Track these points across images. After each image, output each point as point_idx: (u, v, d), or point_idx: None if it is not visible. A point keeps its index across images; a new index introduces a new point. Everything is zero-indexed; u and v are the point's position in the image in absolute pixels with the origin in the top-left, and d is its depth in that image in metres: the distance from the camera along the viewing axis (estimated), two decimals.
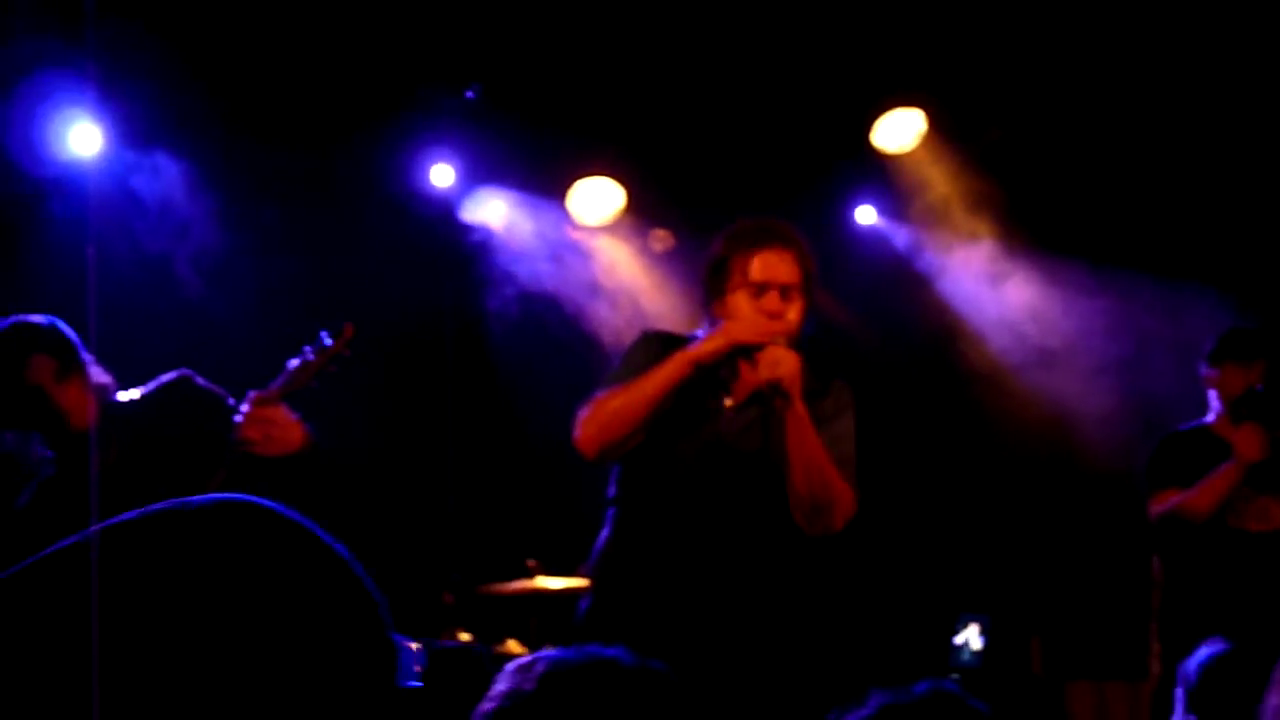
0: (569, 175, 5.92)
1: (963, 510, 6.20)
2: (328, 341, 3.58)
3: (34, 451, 3.78)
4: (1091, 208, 5.96)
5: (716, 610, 3.49)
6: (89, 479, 3.70)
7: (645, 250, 6.21)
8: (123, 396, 3.85)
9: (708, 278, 3.51)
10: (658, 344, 3.48)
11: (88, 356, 3.78)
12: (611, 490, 3.60)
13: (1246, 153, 5.69)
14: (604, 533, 3.62)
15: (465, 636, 5.02)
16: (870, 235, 6.36)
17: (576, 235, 6.15)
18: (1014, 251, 6.05)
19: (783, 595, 3.63)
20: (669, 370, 3.34)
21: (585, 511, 3.91)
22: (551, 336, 6.00)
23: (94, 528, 0.80)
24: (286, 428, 3.56)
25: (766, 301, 3.38)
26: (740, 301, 3.40)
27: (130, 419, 3.79)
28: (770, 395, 3.34)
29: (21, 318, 3.72)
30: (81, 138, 5.18)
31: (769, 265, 3.42)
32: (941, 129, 5.84)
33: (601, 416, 3.41)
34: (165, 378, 3.80)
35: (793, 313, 3.38)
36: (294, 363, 3.60)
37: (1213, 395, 4.49)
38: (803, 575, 3.71)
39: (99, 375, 3.76)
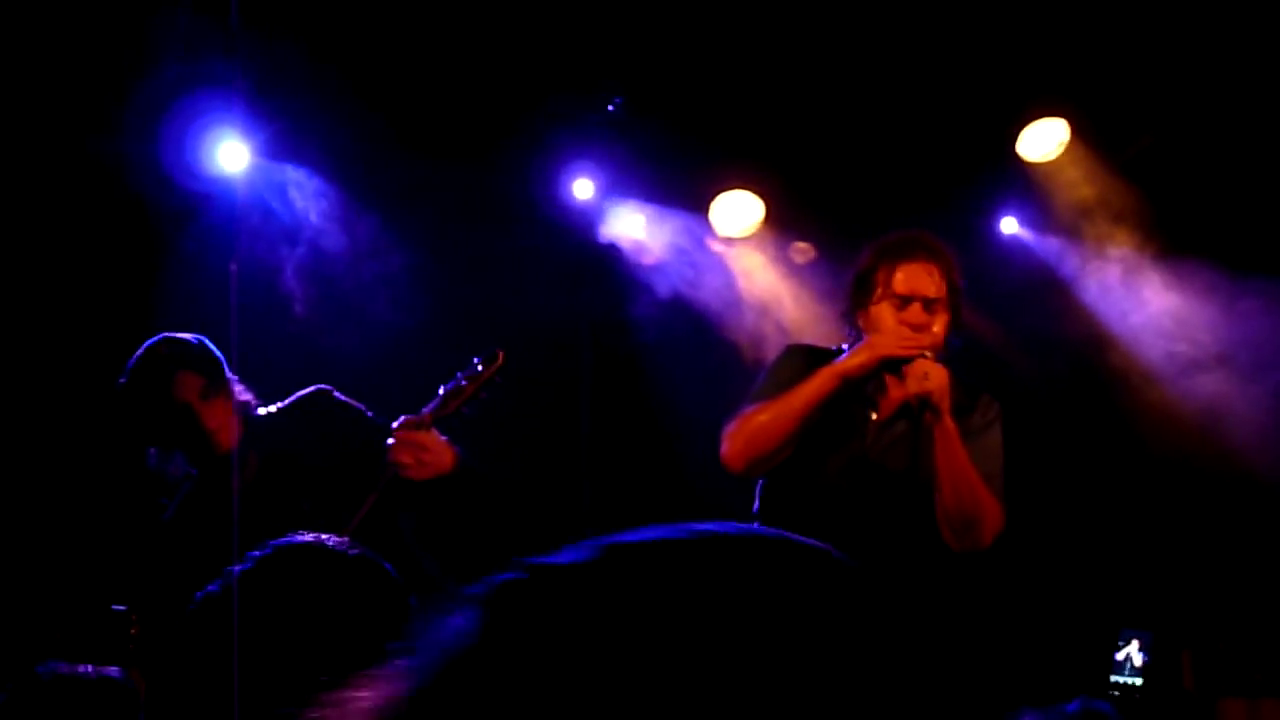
0: (710, 188, 5.83)
1: (1118, 522, 5.99)
2: (479, 367, 3.59)
3: (176, 467, 3.90)
4: (1238, 215, 5.70)
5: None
6: (229, 495, 3.71)
7: (786, 262, 6.12)
8: (261, 411, 3.88)
9: (852, 289, 3.51)
10: (803, 358, 3.52)
11: (232, 375, 3.84)
12: (756, 506, 3.60)
13: None
14: None
15: None
16: (1015, 245, 6.22)
17: (717, 248, 6.06)
18: (1158, 259, 5.87)
19: (932, 612, 3.79)
20: (816, 385, 3.33)
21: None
22: (692, 349, 5.94)
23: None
24: (438, 451, 3.53)
25: (910, 314, 3.36)
26: (884, 314, 3.38)
27: (269, 433, 3.86)
28: (918, 410, 3.32)
29: (171, 335, 3.82)
30: (230, 154, 5.20)
31: (914, 277, 3.40)
32: (1085, 138, 5.67)
33: (749, 431, 3.43)
34: (303, 392, 3.89)
35: (937, 326, 3.37)
36: (446, 387, 3.59)
37: None
38: (951, 592, 3.65)
39: (240, 393, 3.83)
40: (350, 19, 5.26)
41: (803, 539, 0.69)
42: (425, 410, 3.55)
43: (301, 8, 5.16)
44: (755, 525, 0.77)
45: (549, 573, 0.66)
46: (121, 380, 3.77)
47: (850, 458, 3.49)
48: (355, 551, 1.67)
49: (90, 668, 2.19)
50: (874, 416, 3.51)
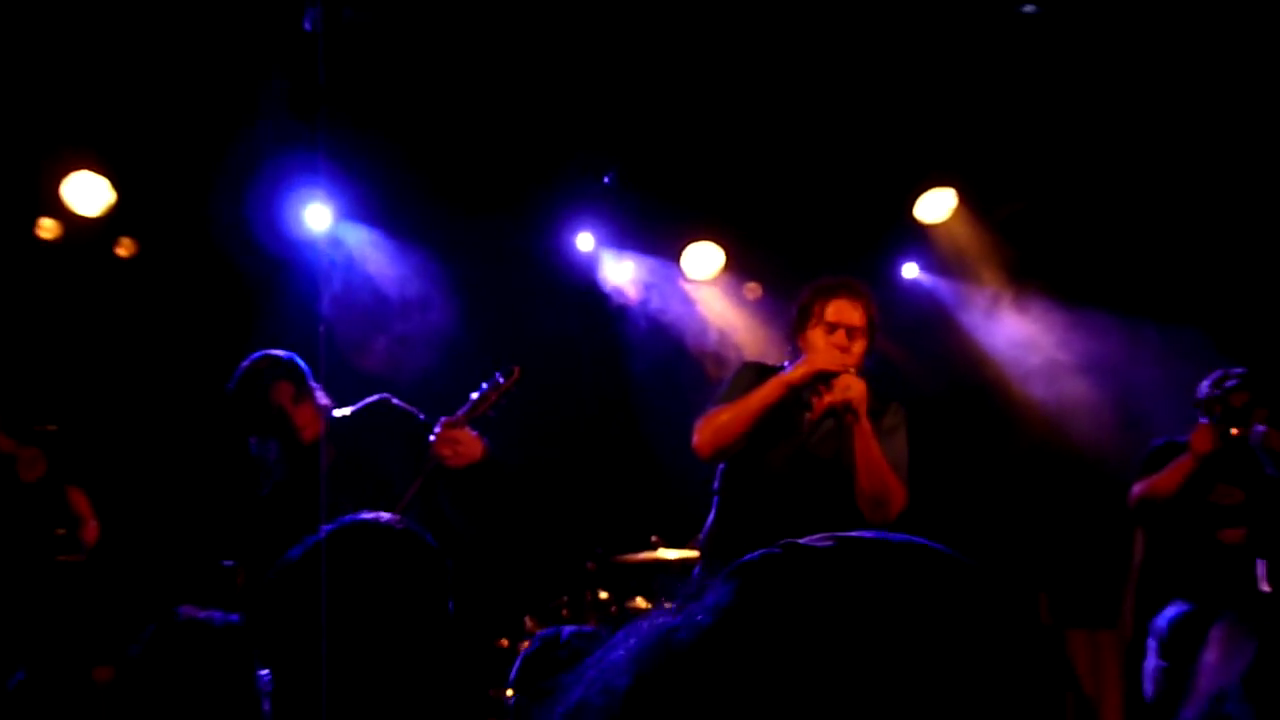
0: (681, 241, 6.42)
1: (994, 496, 6.45)
2: (501, 380, 4.08)
3: (272, 453, 4.32)
4: (1076, 262, 6.29)
5: None
6: (314, 477, 4.14)
7: (739, 298, 6.68)
8: (337, 412, 4.29)
9: (793, 319, 3.93)
10: (754, 372, 3.91)
11: (316, 384, 4.27)
12: (716, 484, 4.01)
13: (1222, 221, 5.92)
14: (710, 517, 4.05)
15: (604, 595, 5.25)
16: (914, 286, 6.79)
17: (686, 287, 6.63)
18: (1018, 295, 6.46)
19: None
20: (767, 391, 3.74)
21: (695, 500, 4.34)
22: (668, 365, 6.48)
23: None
24: (470, 444, 4.00)
25: (837, 338, 3.77)
26: (817, 337, 3.80)
27: (343, 430, 4.26)
28: (842, 412, 3.73)
29: (269, 351, 4.25)
30: (314, 215, 5.77)
31: (841, 310, 3.84)
32: (968, 204, 6.29)
33: (714, 427, 3.83)
34: (369, 399, 4.31)
35: (858, 348, 3.79)
36: (475, 395, 4.09)
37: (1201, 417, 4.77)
38: None
39: (322, 398, 4.24)
40: (411, 107, 5.77)
41: (950, 552, 0.77)
42: (460, 413, 4.04)
43: (374, 95, 5.59)
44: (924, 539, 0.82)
45: (797, 553, 0.74)
46: (230, 386, 4.21)
47: (791, 448, 3.87)
48: (402, 526, 1.88)
49: (217, 613, 2.29)
50: (809, 417, 3.87)
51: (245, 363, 4.27)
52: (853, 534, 0.74)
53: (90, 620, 4.72)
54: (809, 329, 3.87)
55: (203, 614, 2.26)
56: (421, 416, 4.29)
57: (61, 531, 4.73)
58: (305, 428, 4.22)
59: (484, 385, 4.12)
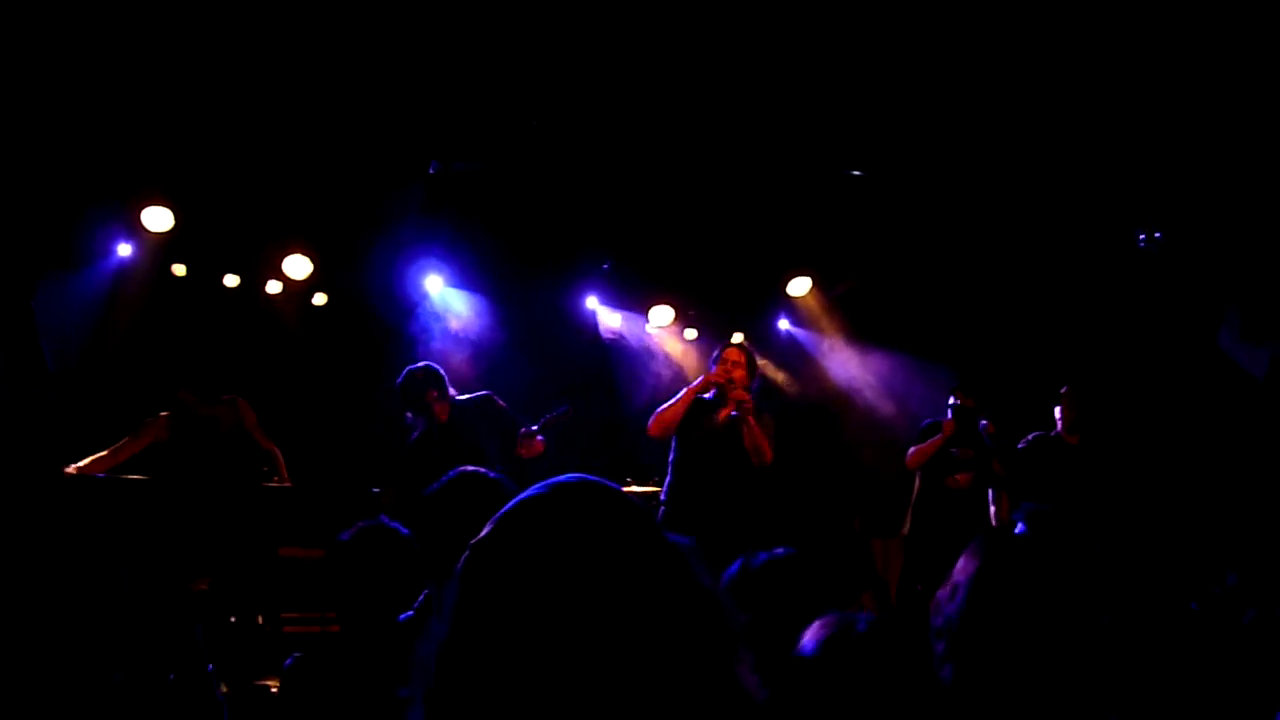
0: (649, 303, 7.27)
1: (833, 460, 7.24)
2: (561, 411, 4.83)
3: (420, 426, 4.83)
4: (893, 323, 7.14)
5: (719, 507, 4.55)
6: (439, 442, 4.68)
7: (682, 340, 7.63)
8: (459, 398, 4.77)
9: (712, 358, 4.74)
10: (682, 387, 4.67)
11: (452, 390, 4.79)
12: (671, 454, 4.69)
13: (967, 298, 6.74)
14: (669, 475, 4.68)
15: None
16: (786, 335, 7.67)
17: (651, 331, 7.51)
18: (849, 342, 7.40)
19: (747, 500, 4.66)
20: (684, 396, 4.61)
21: (657, 462, 4.94)
22: (637, 377, 7.45)
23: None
24: (537, 446, 4.69)
25: (727, 369, 4.62)
26: (720, 367, 4.62)
27: (461, 411, 4.78)
28: (739, 413, 4.53)
29: (427, 364, 4.83)
30: (432, 281, 6.79)
31: (731, 355, 4.68)
32: (818, 285, 7.26)
33: (659, 419, 4.67)
34: (480, 393, 4.88)
35: (738, 375, 4.56)
36: (544, 418, 4.77)
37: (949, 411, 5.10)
38: (754, 493, 4.72)
39: (452, 394, 4.77)
40: (492, 217, 6.62)
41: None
42: (534, 427, 4.75)
43: (472, 206, 6.46)
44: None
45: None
46: (398, 382, 4.75)
47: (707, 431, 4.63)
48: (495, 475, 2.03)
49: (399, 524, 2.28)
50: (720, 416, 4.62)
51: (410, 369, 4.80)
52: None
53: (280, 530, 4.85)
54: (717, 363, 4.66)
55: (384, 522, 2.25)
56: (511, 413, 4.83)
57: (266, 468, 5.25)
58: (440, 412, 4.75)
59: (547, 414, 4.82)
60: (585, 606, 0.75)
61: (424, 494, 1.96)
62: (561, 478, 0.84)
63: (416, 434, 4.77)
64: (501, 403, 4.83)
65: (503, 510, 0.82)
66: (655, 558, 0.79)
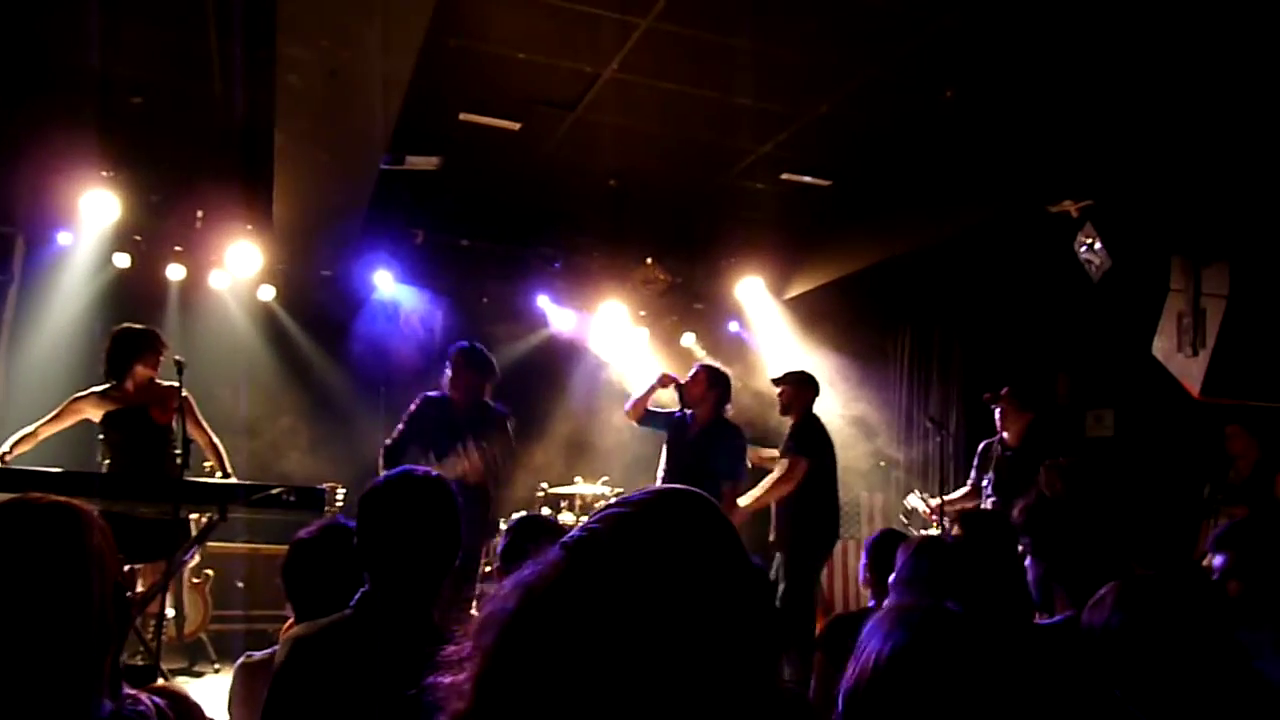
0: (596, 301, 7.49)
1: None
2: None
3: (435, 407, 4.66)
4: (829, 325, 7.28)
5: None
6: (460, 421, 4.58)
7: (625, 333, 7.74)
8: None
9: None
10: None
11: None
12: (660, 465, 4.98)
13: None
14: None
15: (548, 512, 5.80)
16: (735, 337, 8.02)
17: (597, 329, 7.69)
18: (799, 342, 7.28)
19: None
20: (647, 390, 5.14)
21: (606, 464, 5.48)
22: (582, 367, 7.76)
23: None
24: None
25: (689, 379, 5.07)
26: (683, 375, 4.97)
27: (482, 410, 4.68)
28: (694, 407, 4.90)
29: (479, 347, 4.77)
30: (382, 279, 6.93)
31: (699, 373, 5.14)
32: (771, 289, 7.45)
33: (631, 407, 5.20)
34: (499, 404, 4.84)
35: (695, 389, 5.08)
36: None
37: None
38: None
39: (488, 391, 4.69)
40: (446, 225, 6.81)
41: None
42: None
43: (425, 215, 6.58)
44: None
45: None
46: (478, 353, 4.79)
47: (684, 442, 5.12)
48: (436, 475, 1.97)
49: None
50: (691, 429, 5.09)
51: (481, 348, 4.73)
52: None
53: None
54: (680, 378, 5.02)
55: (349, 523, 2.10)
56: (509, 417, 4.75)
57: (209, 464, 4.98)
58: (463, 402, 4.76)
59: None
60: (675, 603, 0.80)
61: (369, 490, 1.93)
62: (668, 487, 0.91)
63: (434, 413, 4.72)
64: (501, 409, 4.90)
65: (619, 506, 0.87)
66: (742, 570, 0.85)
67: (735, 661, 0.79)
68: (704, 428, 4.89)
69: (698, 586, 0.81)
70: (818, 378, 5.36)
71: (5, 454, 4.50)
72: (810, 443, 5.01)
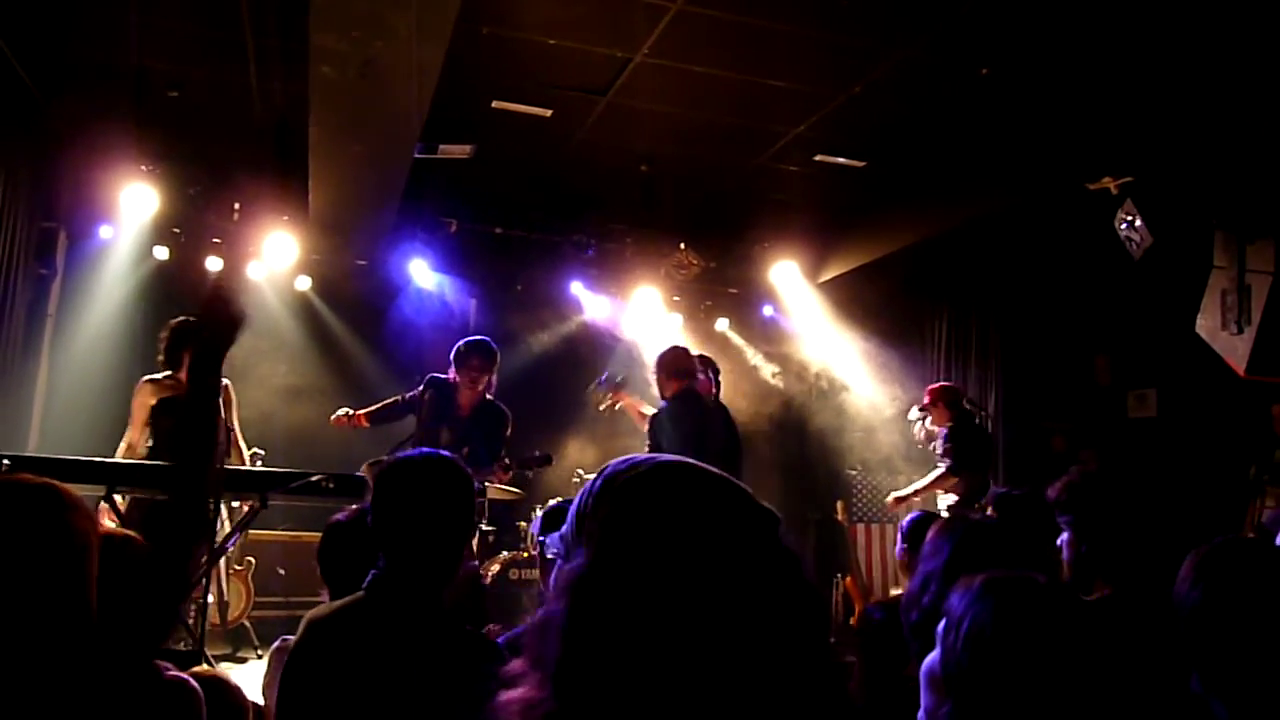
0: (630, 288, 7.48)
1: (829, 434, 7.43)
2: (541, 459, 5.00)
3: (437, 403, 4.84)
4: (866, 309, 7.32)
5: None
6: (460, 419, 4.76)
7: (661, 322, 7.72)
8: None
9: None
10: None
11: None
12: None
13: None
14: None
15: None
16: (771, 320, 8.05)
17: (630, 315, 7.67)
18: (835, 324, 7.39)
19: None
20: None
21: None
22: (611, 350, 7.61)
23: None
24: (504, 478, 4.88)
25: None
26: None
27: (485, 406, 4.88)
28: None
29: (486, 339, 4.86)
30: (417, 268, 6.94)
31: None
32: (805, 274, 7.45)
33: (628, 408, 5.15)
34: (499, 403, 4.92)
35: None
36: (527, 457, 4.92)
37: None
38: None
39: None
40: (485, 218, 6.77)
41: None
42: (508, 460, 4.85)
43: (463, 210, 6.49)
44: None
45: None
46: (486, 346, 4.90)
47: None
48: (451, 457, 1.99)
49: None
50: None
51: (475, 343, 4.92)
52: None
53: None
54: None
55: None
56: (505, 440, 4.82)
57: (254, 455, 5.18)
58: (468, 398, 4.97)
59: (530, 456, 5.03)
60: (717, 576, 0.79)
61: (383, 470, 1.91)
62: (660, 457, 0.90)
63: (432, 410, 4.82)
64: (500, 406, 4.93)
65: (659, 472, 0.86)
66: (780, 548, 0.84)
67: (794, 633, 0.79)
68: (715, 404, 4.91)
69: (726, 553, 0.81)
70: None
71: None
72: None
